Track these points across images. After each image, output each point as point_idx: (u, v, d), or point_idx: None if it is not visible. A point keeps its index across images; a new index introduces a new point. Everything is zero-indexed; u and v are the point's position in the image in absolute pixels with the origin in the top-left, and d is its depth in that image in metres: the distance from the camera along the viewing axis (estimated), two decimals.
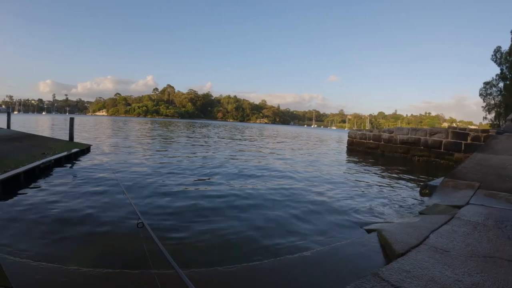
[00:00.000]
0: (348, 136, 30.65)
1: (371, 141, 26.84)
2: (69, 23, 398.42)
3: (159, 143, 27.74)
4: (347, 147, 30.58)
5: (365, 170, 16.97)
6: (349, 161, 21.51)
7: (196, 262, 5.09)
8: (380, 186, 12.47)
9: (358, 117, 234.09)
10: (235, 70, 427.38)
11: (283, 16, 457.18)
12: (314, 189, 11.35)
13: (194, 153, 21.03)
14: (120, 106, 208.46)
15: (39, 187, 10.10)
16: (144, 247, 4.29)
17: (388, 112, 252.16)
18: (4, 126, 24.74)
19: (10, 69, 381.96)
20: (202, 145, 27.22)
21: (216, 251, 5.86)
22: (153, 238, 2.51)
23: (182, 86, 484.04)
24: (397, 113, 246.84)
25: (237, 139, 37.68)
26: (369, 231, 6.46)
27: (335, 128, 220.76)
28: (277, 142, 37.22)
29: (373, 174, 15.37)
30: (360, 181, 13.47)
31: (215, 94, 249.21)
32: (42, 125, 50.86)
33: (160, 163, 15.99)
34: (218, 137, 40.72)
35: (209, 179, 12.54)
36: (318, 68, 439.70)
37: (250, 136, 48.75)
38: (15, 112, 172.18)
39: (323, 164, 18.85)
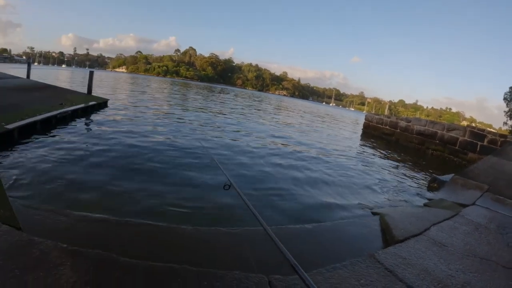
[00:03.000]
0: (365, 119, 30.33)
1: (387, 127, 26.60)
2: None
3: (174, 103, 27.79)
4: (362, 130, 30.38)
5: (377, 155, 17.02)
6: (363, 145, 21.56)
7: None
8: (390, 172, 12.54)
9: (377, 102, 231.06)
10: (259, 38, 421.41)
11: None
12: (325, 168, 11.46)
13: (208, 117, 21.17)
14: (140, 64, 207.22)
15: (54, 136, 10.39)
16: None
17: (408, 101, 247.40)
18: (24, 76, 25.06)
19: (33, 21, 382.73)
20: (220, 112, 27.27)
21: (218, 212, 6.06)
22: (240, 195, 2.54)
23: (205, 49, 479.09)
24: (418, 103, 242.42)
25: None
26: (372, 213, 6.55)
27: (353, 109, 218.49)
28: (297, 116, 37.18)
29: (385, 160, 15.43)
30: (371, 165, 13.59)
31: (237, 61, 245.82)
32: (61, 78, 51.34)
33: (176, 121, 16.22)
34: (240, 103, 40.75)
35: (223, 140, 12.79)
36: (342, 47, 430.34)
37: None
38: (35, 64, 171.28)
39: (337, 144, 18.91)
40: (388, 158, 16.22)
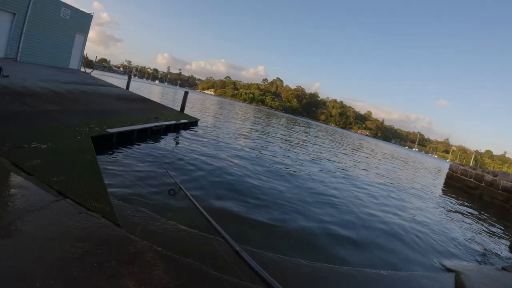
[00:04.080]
0: (449, 169, 29.40)
1: (471, 179, 25.47)
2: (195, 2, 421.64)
3: (260, 133, 28.36)
4: (445, 180, 29.32)
5: (458, 208, 16.47)
6: (444, 196, 20.75)
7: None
8: (469, 228, 12.11)
9: (463, 151, 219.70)
10: (346, 75, 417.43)
11: (403, 35, 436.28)
12: (403, 214, 11.38)
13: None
14: (228, 89, 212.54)
15: (149, 146, 11.27)
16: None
17: (496, 152, 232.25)
18: (122, 86, 26.91)
19: (133, 38, 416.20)
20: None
21: (301, 246, 6.26)
22: (189, 198, 2.71)
23: (291, 81, 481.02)
24: (507, 155, 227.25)
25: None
26: (447, 269, 6.45)
27: (436, 156, 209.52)
28: (375, 158, 36.47)
29: (466, 215, 14.88)
30: (450, 218, 13.22)
31: (322, 95, 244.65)
32: (153, 92, 54.49)
33: (255, 154, 16.44)
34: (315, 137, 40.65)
35: (300, 178, 12.66)
36: (429, 88, 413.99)
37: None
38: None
39: (418, 193, 18.39)
40: (469, 213, 15.61)
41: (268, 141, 23.30)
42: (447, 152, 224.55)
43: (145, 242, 3.99)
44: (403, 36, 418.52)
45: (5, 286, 2.83)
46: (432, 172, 42.71)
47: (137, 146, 10.83)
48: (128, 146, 10.53)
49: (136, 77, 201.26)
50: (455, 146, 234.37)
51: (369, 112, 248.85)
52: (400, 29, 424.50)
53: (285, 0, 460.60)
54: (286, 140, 28.44)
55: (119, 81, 39.16)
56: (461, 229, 11.55)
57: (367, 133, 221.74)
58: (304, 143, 29.61)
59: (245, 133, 25.78)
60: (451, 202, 18.04)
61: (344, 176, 16.55)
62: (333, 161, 22.06)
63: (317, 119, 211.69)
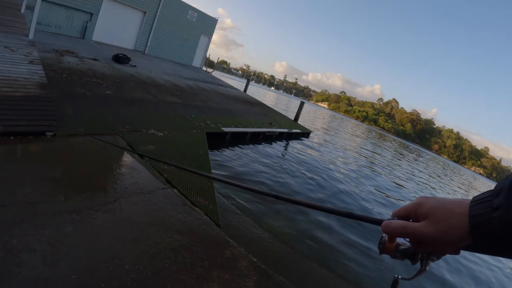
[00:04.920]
0: None
1: None
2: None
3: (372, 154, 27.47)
4: None
5: None
6: None
7: None
8: None
9: None
10: (468, 105, 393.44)
11: None
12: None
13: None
14: (342, 104, 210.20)
15: (260, 150, 11.25)
16: None
17: None
18: (240, 89, 27.79)
19: (253, 44, 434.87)
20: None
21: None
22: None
23: (407, 104, 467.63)
24: None
25: None
26: None
27: None
28: None
29: None
30: None
31: (438, 123, 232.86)
32: (267, 98, 55.73)
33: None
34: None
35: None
36: None
37: None
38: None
39: None
40: None
41: (379, 167, 22.33)
42: None
43: (242, 249, 3.88)
44: None
45: (95, 261, 2.89)
46: None
47: (248, 149, 10.96)
48: (240, 147, 10.70)
49: (253, 81, 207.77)
50: None
51: (486, 148, 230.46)
52: None
53: (415, 18, 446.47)
54: (398, 168, 27.20)
55: (236, 83, 40.84)
56: None
57: (481, 171, 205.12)
58: (415, 175, 28.15)
59: (356, 153, 25.03)
60: None
61: None
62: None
63: (429, 148, 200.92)
